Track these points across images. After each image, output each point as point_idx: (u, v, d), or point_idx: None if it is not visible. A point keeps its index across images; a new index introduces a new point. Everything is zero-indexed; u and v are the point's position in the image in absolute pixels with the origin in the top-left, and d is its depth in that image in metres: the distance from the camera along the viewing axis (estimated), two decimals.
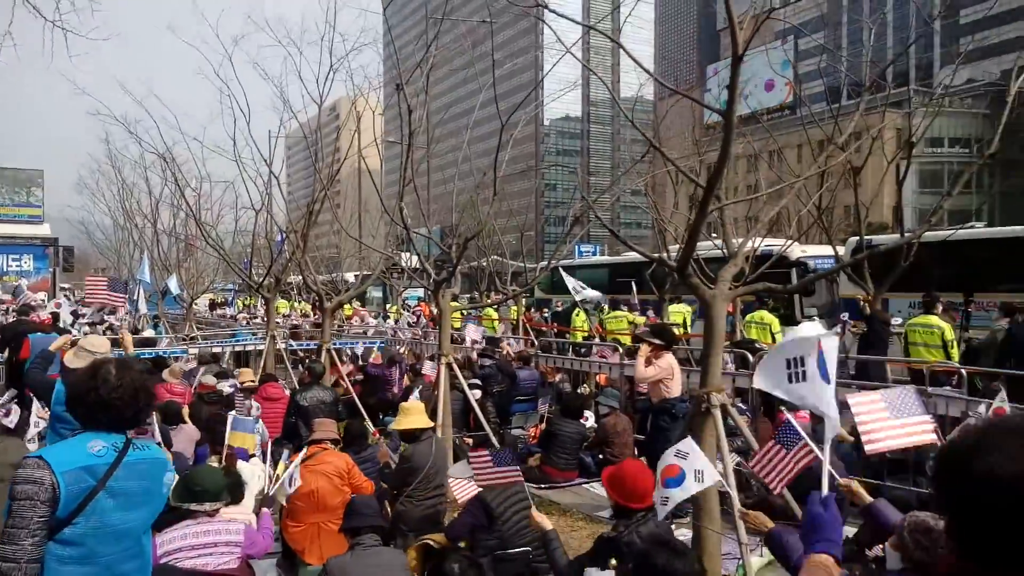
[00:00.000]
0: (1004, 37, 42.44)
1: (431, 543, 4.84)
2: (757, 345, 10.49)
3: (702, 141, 14.73)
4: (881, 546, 3.53)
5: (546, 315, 21.18)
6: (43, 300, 27.80)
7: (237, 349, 15.09)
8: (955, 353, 9.34)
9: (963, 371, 7.86)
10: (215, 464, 5.70)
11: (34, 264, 38.71)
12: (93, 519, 2.31)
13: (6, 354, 10.85)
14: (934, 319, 9.69)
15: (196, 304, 24.58)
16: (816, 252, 15.22)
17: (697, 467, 3.81)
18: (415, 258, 9.32)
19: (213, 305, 35.62)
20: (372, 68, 23.98)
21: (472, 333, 13.22)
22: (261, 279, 13.58)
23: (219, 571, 3.64)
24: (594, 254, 39.52)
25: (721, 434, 4.22)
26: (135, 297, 23.17)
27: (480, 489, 4.95)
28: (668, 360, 7.09)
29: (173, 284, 21.09)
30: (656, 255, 5.04)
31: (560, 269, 16.01)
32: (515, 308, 17.90)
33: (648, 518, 4.18)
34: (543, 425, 9.22)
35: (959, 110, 51.91)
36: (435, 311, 8.54)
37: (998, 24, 41.96)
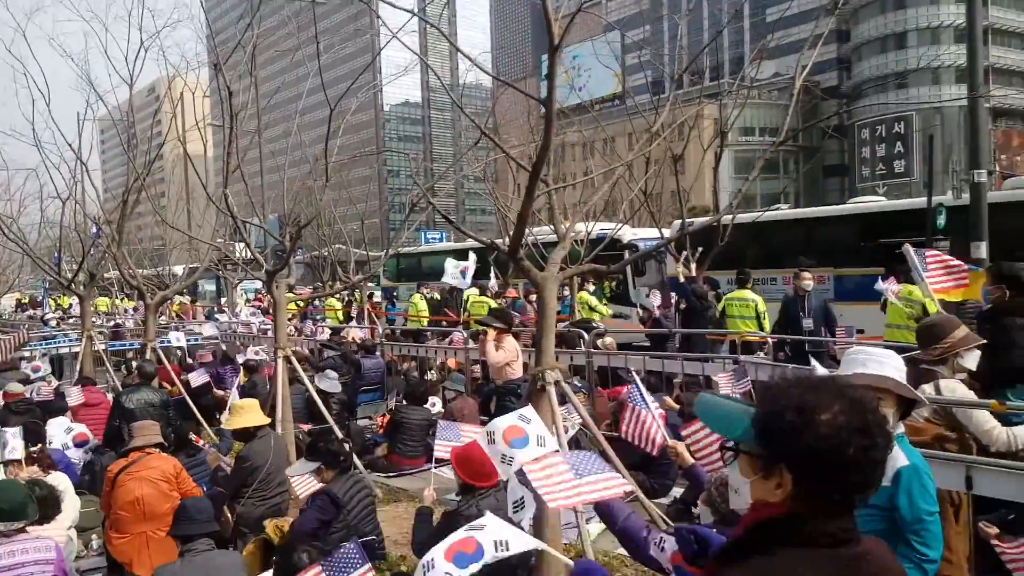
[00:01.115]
0: (803, 36, 47.09)
1: (269, 537, 4.71)
2: (593, 324, 11.06)
3: (539, 128, 15.13)
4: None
5: (394, 303, 21.02)
6: None
7: (50, 352, 13.75)
8: (766, 324, 10.30)
9: (769, 339, 8.71)
10: (25, 477, 5.17)
11: None
12: None
13: None
14: (748, 293, 10.62)
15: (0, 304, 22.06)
16: (646, 235, 16.19)
17: (539, 433, 3.99)
18: (254, 248, 8.90)
19: (21, 305, 32.16)
20: (191, 46, 22.41)
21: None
22: (73, 275, 12.39)
23: None
24: (440, 240, 39.59)
25: (555, 408, 4.42)
26: None
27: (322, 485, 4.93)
28: (512, 343, 7.36)
29: None
30: (488, 240, 5.14)
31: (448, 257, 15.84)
32: (359, 297, 17.59)
33: (489, 494, 4.37)
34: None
35: (768, 102, 57.00)
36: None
37: (799, 23, 46.35)
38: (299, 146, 8.29)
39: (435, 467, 7.73)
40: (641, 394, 4.74)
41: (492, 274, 15.99)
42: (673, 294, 12.67)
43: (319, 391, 8.29)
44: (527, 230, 11.29)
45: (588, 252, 9.20)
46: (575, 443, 7.53)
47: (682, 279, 11.15)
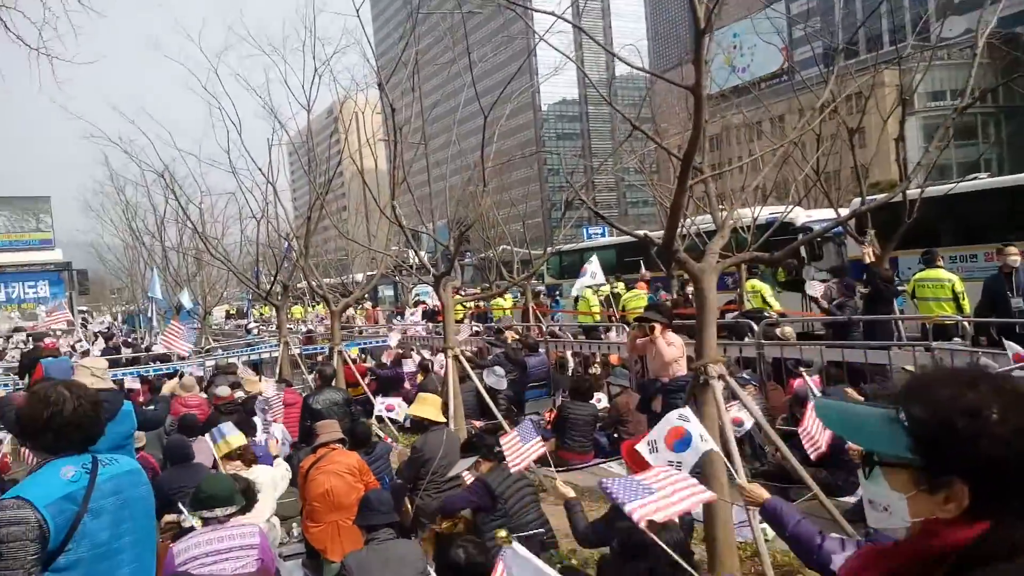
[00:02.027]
0: None
1: (439, 531, 4.93)
2: (766, 313, 10.51)
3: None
4: None
5: (558, 300, 21.24)
6: (73, 323, 28.14)
7: (253, 358, 15.27)
8: (966, 305, 9.30)
9: (966, 323, 7.84)
10: (231, 471, 5.80)
11: (50, 290, 39.29)
12: (83, 543, 2.33)
13: (26, 380, 11.05)
14: (943, 272, 9.65)
15: (211, 316, 24.84)
16: (821, 216, 15.14)
17: (700, 431, 3.90)
18: (423, 254, 9.41)
19: (229, 316, 35.96)
20: (360, 69, 24.13)
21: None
22: (269, 287, 13.71)
23: (237, 574, 3.74)
24: (603, 235, 39.44)
25: (721, 405, 4.27)
26: (149, 315, 23.45)
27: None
28: (678, 338, 7.17)
29: (185, 299, 21.33)
30: (642, 233, 5.05)
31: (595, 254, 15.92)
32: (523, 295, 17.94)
33: None
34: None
35: (958, 62, 51.16)
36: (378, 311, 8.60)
37: None
38: (460, 154, 8.61)
39: (599, 462, 7.74)
40: (812, 390, 4.46)
41: (642, 269, 15.75)
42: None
43: (487, 388, 8.56)
44: (688, 220, 11.02)
45: (757, 239, 8.77)
46: (749, 439, 7.23)
47: (868, 260, 10.27)
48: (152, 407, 8.21)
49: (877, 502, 1.42)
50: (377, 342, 16.08)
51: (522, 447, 5.07)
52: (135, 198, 23.06)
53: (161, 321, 23.51)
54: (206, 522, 3.90)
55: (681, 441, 3.78)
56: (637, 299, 14.28)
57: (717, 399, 4.29)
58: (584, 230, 37.27)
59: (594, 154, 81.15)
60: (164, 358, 14.63)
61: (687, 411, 3.75)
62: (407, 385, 11.11)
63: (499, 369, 9.94)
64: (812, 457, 4.76)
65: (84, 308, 45.23)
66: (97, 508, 2.37)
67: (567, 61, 5.71)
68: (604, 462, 8.26)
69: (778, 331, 8.77)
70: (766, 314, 10.40)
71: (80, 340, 22.67)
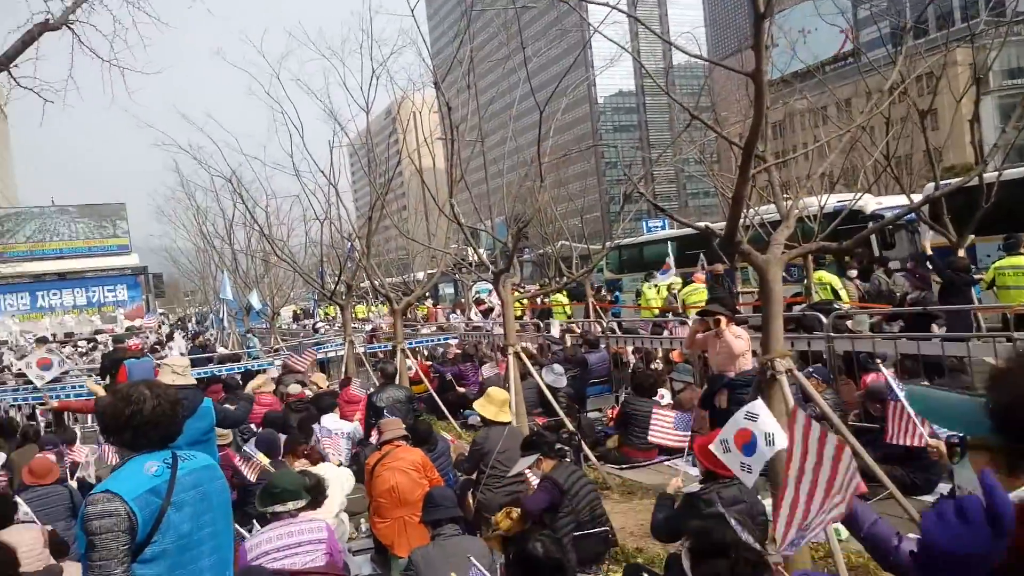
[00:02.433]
0: None
1: (499, 526, 4.95)
2: (836, 305, 10.18)
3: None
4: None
5: (618, 295, 21.10)
6: (157, 324, 29.30)
7: (319, 356, 15.63)
8: None
9: None
10: (298, 467, 5.95)
11: (128, 293, 41.14)
12: (168, 535, 2.44)
13: (107, 380, 11.59)
14: None
15: (280, 316, 25.55)
16: (893, 203, 14.56)
17: (767, 430, 3.79)
18: (482, 251, 9.47)
19: (296, 316, 36.89)
20: (416, 68, 24.49)
21: None
22: (334, 287, 14.01)
23: (306, 569, 3.83)
24: (663, 228, 38.87)
25: (789, 400, 4.14)
26: (221, 316, 24.26)
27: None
28: (743, 331, 7.00)
29: (255, 300, 21.98)
30: (703, 224, 4.95)
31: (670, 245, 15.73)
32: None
33: (732, 484, 4.25)
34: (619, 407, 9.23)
35: None
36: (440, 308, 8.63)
37: None
38: (516, 150, 8.61)
39: (664, 460, 7.63)
40: (891, 385, 4.30)
41: (701, 262, 15.44)
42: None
43: (547, 385, 8.55)
44: (751, 210, 10.75)
45: (824, 228, 8.50)
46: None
47: (927, 252, 9.84)
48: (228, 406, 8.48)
49: (965, 487, 1.42)
50: (438, 340, 16.27)
51: (668, 431, 5.17)
52: (205, 203, 23.84)
53: (232, 322, 24.34)
54: (277, 516, 4.01)
55: (749, 444, 3.69)
56: (696, 293, 14.04)
57: (785, 394, 4.17)
58: (643, 223, 36.82)
59: (652, 145, 80.00)
60: (235, 358, 15.13)
61: (757, 406, 3.65)
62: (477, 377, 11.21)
63: (557, 367, 9.93)
64: (919, 444, 4.59)
65: (161, 310, 47.17)
66: (179, 501, 2.48)
67: (623, 52, 5.64)
68: (668, 459, 8.15)
69: (849, 323, 8.49)
70: (836, 306, 10.07)
71: (160, 340, 23.62)
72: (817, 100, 13.65)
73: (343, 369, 12.79)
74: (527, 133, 11.59)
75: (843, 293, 11.75)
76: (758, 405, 3.81)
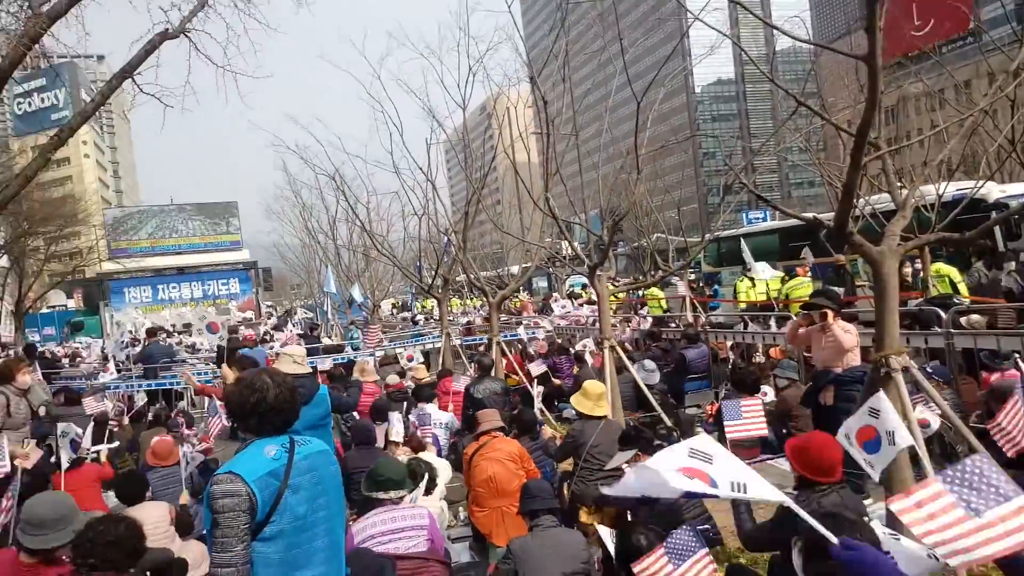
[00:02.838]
0: None
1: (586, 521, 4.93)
2: (955, 300, 9.55)
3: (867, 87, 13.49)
4: None
5: (717, 289, 20.54)
6: (269, 314, 30.81)
7: (417, 348, 16.02)
8: None
9: None
10: (403, 456, 6.13)
11: (239, 287, 43.52)
12: (285, 516, 2.56)
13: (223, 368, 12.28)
14: None
15: (380, 309, 26.35)
16: (1019, 191, 13.50)
17: (888, 428, 3.60)
18: (576, 245, 9.45)
19: (395, 309, 37.98)
20: (512, 64, 24.72)
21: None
22: (431, 280, 14.31)
23: (409, 554, 3.95)
24: (764, 220, 37.65)
25: (905, 399, 3.92)
26: (325, 308, 25.24)
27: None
28: (851, 326, 6.69)
29: (356, 293, 22.75)
30: (810, 215, 4.74)
31: (742, 239, 15.23)
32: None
33: (832, 491, 4.02)
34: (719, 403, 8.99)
35: None
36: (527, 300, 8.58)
37: None
38: (612, 142, 8.51)
39: (767, 458, 7.38)
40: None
41: (804, 253, 14.77)
42: None
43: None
44: (861, 200, 10.21)
45: (943, 218, 7.98)
46: (938, 437, 6.61)
47: None
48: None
49: None
50: (530, 333, 16.34)
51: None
52: (310, 200, 24.90)
53: (336, 314, 25.28)
54: (380, 503, 4.15)
55: (871, 442, 3.51)
56: (802, 287, 13.48)
57: (901, 393, 3.96)
58: (743, 215, 35.71)
59: (753, 135, 77.43)
60: (338, 348, 15.71)
61: (880, 401, 3.46)
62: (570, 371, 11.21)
63: (649, 363, 9.79)
64: (1009, 455, 4.26)
65: (269, 303, 49.63)
66: (296, 484, 2.60)
67: (723, 40, 5.48)
68: (772, 458, 7.89)
69: (964, 320, 7.95)
70: (955, 301, 9.45)
71: (270, 331, 24.84)
72: (934, 83, 12.83)
73: (440, 361, 13.05)
74: (622, 125, 11.46)
75: (962, 287, 11.01)
76: (881, 400, 3.62)
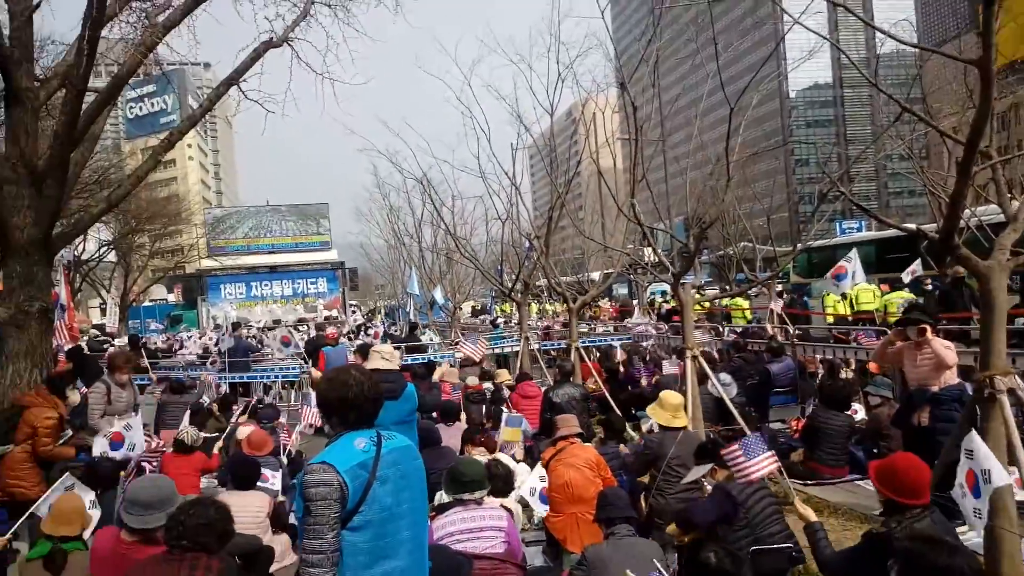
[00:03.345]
0: None
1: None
2: None
3: (977, 92, 12.74)
4: None
5: (806, 300, 19.87)
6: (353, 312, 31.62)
7: (495, 352, 16.17)
8: None
9: None
10: (481, 457, 6.19)
11: (327, 286, 45.03)
12: (374, 506, 2.65)
13: (309, 364, 12.76)
14: None
15: (460, 311, 26.73)
16: None
17: (983, 466, 3.42)
18: (660, 251, 9.32)
19: (475, 311, 38.40)
20: (600, 70, 24.58)
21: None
22: (512, 284, 14.41)
23: (486, 554, 3.99)
24: (859, 230, 36.07)
25: (1010, 422, 3.69)
26: (408, 309, 25.79)
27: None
28: (948, 342, 6.37)
29: (438, 295, 23.15)
30: (912, 226, 4.52)
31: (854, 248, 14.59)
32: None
33: (923, 515, 3.82)
34: (804, 419, 8.69)
35: None
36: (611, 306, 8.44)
37: None
38: (701, 147, 8.35)
39: (856, 479, 7.09)
40: None
41: (913, 266, 14.02)
42: None
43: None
44: (967, 211, 9.66)
45: None
46: None
47: None
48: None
49: None
50: (610, 340, 16.23)
51: (747, 463, 4.83)
52: (397, 203, 25.51)
53: (417, 314, 25.80)
54: (461, 502, 4.22)
55: (976, 487, 3.33)
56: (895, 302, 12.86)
57: (1006, 416, 3.73)
58: (836, 225, 34.37)
59: (849, 141, 74.30)
60: (420, 348, 16.02)
61: (973, 441, 3.27)
62: (644, 384, 11.05)
63: (724, 376, 9.56)
64: None
65: (354, 302, 51.09)
66: (383, 476, 2.69)
67: (821, 44, 5.30)
68: (861, 479, 7.56)
69: None
70: None
71: (352, 330, 25.55)
72: None
73: (518, 365, 13.11)
74: (711, 130, 11.24)
75: None
76: (973, 440, 3.43)
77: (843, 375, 10.14)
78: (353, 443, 2.71)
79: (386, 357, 5.36)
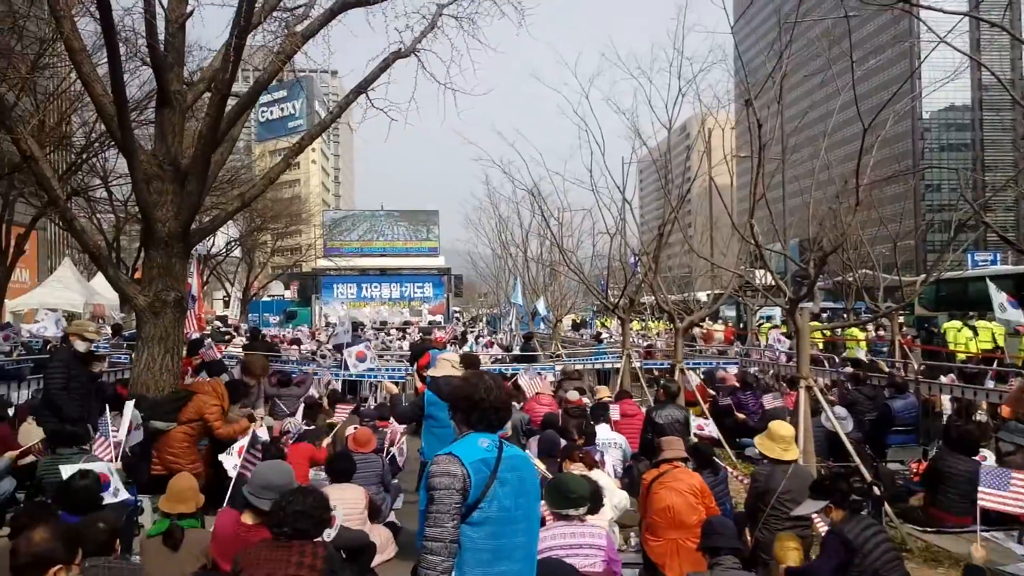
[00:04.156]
0: None
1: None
2: None
3: None
4: None
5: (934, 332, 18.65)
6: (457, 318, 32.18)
7: (596, 367, 16.01)
8: None
9: None
10: (577, 472, 6.12)
11: (432, 291, 46.17)
12: (493, 504, 2.72)
13: (414, 367, 13.07)
14: None
15: (561, 324, 26.70)
16: None
17: None
18: (769, 275, 8.94)
19: (575, 325, 38.27)
20: (721, 85, 24.00)
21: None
22: (616, 300, 14.25)
23: (585, 571, 3.93)
24: (994, 263, 33.47)
25: None
26: (510, 318, 26.02)
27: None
28: None
29: (541, 306, 23.23)
30: None
31: (988, 280, 13.63)
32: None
33: None
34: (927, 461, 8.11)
35: None
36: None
37: None
38: (825, 167, 7.98)
39: (982, 529, 6.56)
40: None
41: None
42: None
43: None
44: None
45: None
46: None
47: None
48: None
49: None
50: (716, 363, 15.74)
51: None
52: (507, 213, 25.84)
53: (518, 324, 25.98)
54: (563, 517, 4.19)
55: None
56: None
57: None
58: (969, 256, 32.11)
59: (987, 168, 69.24)
60: (523, 359, 16.10)
61: None
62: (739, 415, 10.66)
63: (840, 410, 9.05)
64: None
65: (456, 308, 52.11)
66: (503, 478, 2.76)
67: (966, 63, 4.95)
68: (987, 530, 6.96)
69: None
70: None
71: (456, 336, 26.05)
72: None
73: (619, 382, 12.93)
74: (836, 150, 10.73)
75: None
76: None
77: (977, 417, 9.40)
78: (477, 442, 2.80)
79: (455, 365, 5.62)
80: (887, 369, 12.41)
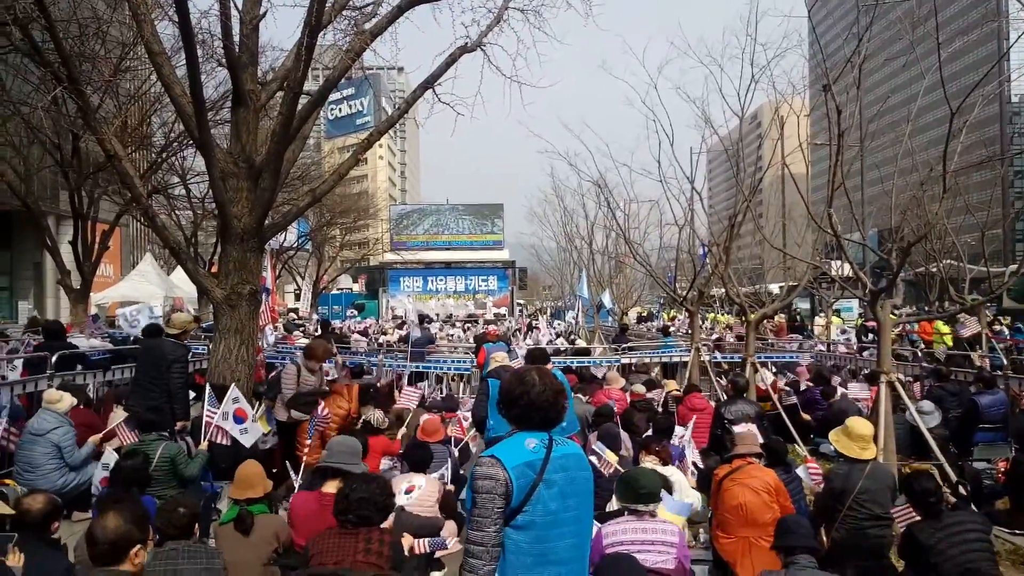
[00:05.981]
0: None
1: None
2: None
3: None
4: None
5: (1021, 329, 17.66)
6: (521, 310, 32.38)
7: (663, 360, 15.75)
8: None
9: None
10: (649, 465, 6.04)
11: (497, 283, 46.42)
12: (538, 508, 2.63)
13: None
14: None
15: (627, 316, 26.43)
16: None
17: None
18: (846, 266, 8.57)
19: (640, 318, 37.89)
20: (796, 71, 23.21)
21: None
22: (685, 292, 14.00)
23: (656, 568, 3.87)
24: None
25: None
26: (575, 311, 25.94)
27: None
28: None
29: (606, 299, 23.05)
30: None
31: None
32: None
33: None
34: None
35: None
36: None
37: None
38: (908, 153, 7.61)
39: None
40: None
41: None
42: None
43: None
44: None
45: None
46: None
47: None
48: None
49: None
50: (789, 357, 15.31)
51: None
52: (572, 205, 25.71)
53: (583, 317, 25.87)
54: (635, 512, 4.13)
55: None
56: None
57: None
58: None
59: None
60: (584, 351, 16.02)
61: None
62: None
63: (926, 404, 8.64)
64: None
65: (520, 301, 52.27)
66: (550, 480, 2.67)
67: None
68: None
69: None
70: None
71: (515, 330, 26.10)
72: None
73: (687, 375, 12.71)
74: (917, 136, 10.24)
75: None
76: None
77: None
78: (524, 442, 2.71)
79: (504, 363, 5.74)
80: (977, 362, 11.83)
